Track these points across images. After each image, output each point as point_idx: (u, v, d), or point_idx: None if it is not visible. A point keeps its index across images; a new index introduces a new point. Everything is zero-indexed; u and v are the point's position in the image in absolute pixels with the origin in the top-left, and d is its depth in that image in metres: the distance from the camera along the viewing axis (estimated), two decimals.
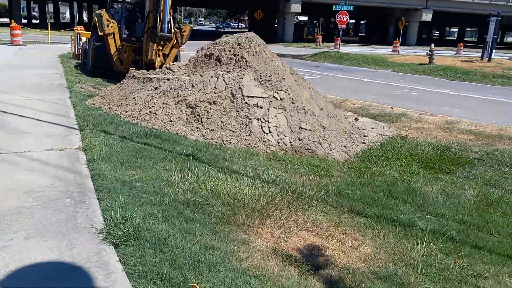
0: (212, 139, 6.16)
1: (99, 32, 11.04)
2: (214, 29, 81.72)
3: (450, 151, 6.60)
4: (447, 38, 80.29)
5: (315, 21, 54.50)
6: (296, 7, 40.11)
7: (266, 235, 3.47)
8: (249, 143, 6.11)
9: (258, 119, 6.40)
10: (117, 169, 4.52)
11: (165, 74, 7.81)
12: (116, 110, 7.04)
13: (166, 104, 6.80)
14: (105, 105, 7.37)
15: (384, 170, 5.75)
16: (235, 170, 4.89)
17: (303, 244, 3.39)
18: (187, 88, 6.96)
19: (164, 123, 6.51)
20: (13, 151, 5.04)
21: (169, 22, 9.96)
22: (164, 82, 7.32)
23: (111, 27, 10.89)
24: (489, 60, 21.94)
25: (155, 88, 7.24)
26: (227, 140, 6.12)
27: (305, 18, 65.76)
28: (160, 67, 10.93)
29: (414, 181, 5.42)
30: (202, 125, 6.38)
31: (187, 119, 6.55)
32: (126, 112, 6.87)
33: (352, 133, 7.20)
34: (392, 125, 8.35)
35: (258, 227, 3.57)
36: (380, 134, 7.53)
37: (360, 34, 64.85)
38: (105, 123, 6.24)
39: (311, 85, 8.08)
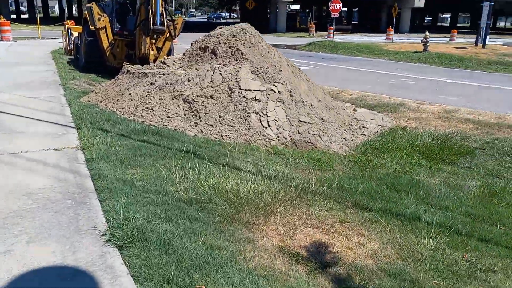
0: (211, 134, 6.09)
1: (91, 27, 10.87)
2: (206, 20, 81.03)
3: (450, 141, 6.58)
4: (440, 24, 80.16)
5: (307, 10, 54.18)
6: None
7: (272, 233, 3.43)
8: (249, 138, 6.05)
9: (256, 113, 6.33)
10: (117, 168, 4.45)
11: (160, 68, 7.70)
12: (112, 107, 6.94)
13: (162, 99, 6.71)
14: (101, 102, 7.26)
15: (385, 162, 5.72)
16: (236, 166, 4.83)
17: (309, 241, 3.35)
18: (183, 83, 6.87)
19: (162, 119, 6.43)
20: (9, 152, 4.94)
21: (162, 14, 9.81)
22: (159, 77, 7.21)
23: (103, 21, 10.71)
24: (483, 46, 21.90)
25: (151, 84, 7.14)
26: (226, 135, 6.05)
27: (297, 7, 65.32)
28: (154, 61, 10.80)
29: (416, 172, 5.39)
30: (200, 121, 6.30)
31: (184, 114, 6.46)
32: (123, 108, 6.78)
33: (351, 124, 7.15)
34: (391, 116, 8.31)
35: (263, 224, 3.53)
36: (379, 125, 7.50)
37: (353, 22, 64.56)
38: (102, 120, 6.15)
39: (308, 77, 8.00)
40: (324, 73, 14.63)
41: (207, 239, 3.15)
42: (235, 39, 7.28)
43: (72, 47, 14.40)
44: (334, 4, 25.86)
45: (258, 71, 6.79)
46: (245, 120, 6.24)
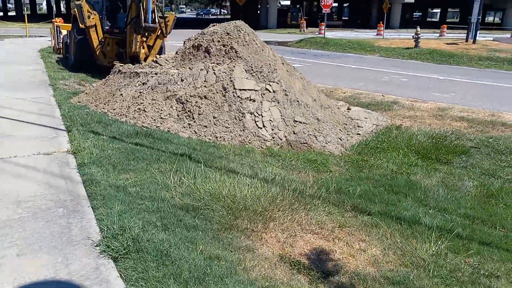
0: (205, 136, 5.98)
1: (80, 25, 10.65)
2: (195, 16, 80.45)
3: (445, 140, 6.55)
4: (430, 19, 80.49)
5: (298, 6, 54.01)
6: None
7: (271, 240, 3.34)
8: (244, 139, 5.96)
9: (251, 113, 6.23)
10: (110, 173, 4.33)
11: (152, 68, 7.56)
12: (103, 108, 6.79)
13: (155, 100, 6.58)
14: (92, 103, 7.11)
15: (381, 162, 5.66)
16: (232, 169, 4.74)
17: (310, 249, 3.28)
18: (176, 83, 6.74)
19: (154, 120, 6.30)
20: None
21: (153, 11, 9.65)
22: (152, 76, 7.08)
23: (93, 18, 10.51)
24: (474, 42, 22.00)
25: (143, 84, 7.00)
26: (220, 137, 5.95)
27: (287, 2, 65.12)
28: (145, 59, 10.65)
29: (413, 173, 5.34)
30: (194, 121, 6.19)
31: (178, 115, 6.34)
32: (114, 110, 6.63)
33: (346, 124, 7.09)
34: (385, 114, 8.27)
35: (262, 231, 3.45)
36: (374, 124, 7.44)
37: (343, 18, 64.60)
38: (93, 122, 6.01)
39: (302, 75, 7.92)
40: (317, 70, 14.57)
41: (206, 249, 3.06)
42: (229, 37, 7.16)
43: (61, 45, 14.15)
44: None
45: (252, 70, 6.69)
46: (240, 120, 6.14)
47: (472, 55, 18.31)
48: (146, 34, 10.11)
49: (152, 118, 6.30)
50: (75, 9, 11.20)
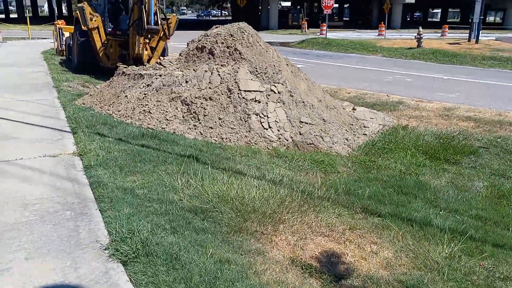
0: (210, 137, 5.94)
1: (83, 27, 10.63)
2: (195, 18, 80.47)
3: (453, 140, 6.49)
4: (430, 19, 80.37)
5: (298, 7, 53.95)
6: None
7: (282, 243, 3.29)
8: (249, 140, 5.91)
9: (257, 114, 6.19)
10: (117, 175, 4.29)
11: (157, 69, 7.52)
12: (108, 110, 6.76)
13: (160, 101, 6.54)
14: (96, 104, 7.07)
15: (389, 163, 5.61)
16: (239, 170, 4.69)
17: (321, 251, 3.23)
18: (180, 84, 6.70)
19: (160, 121, 6.27)
20: (2, 159, 4.76)
21: (155, 13, 9.62)
22: (156, 78, 7.04)
23: (95, 21, 10.49)
24: (476, 42, 21.91)
25: (148, 85, 6.96)
26: (226, 138, 5.90)
27: (288, 3, 65.07)
28: (148, 61, 10.62)
29: (422, 174, 5.29)
30: (200, 123, 6.15)
31: (183, 116, 6.30)
32: (119, 111, 6.60)
33: (352, 124, 7.05)
34: (391, 114, 8.22)
35: (272, 234, 3.40)
36: (380, 124, 7.39)
37: (344, 19, 64.52)
38: (98, 124, 5.97)
39: (307, 76, 7.87)
40: (320, 71, 14.51)
41: (216, 252, 3.01)
42: (233, 39, 7.12)
43: (64, 47, 14.14)
44: (326, 0, 25.72)
45: (257, 71, 6.64)
46: (245, 121, 6.10)
47: (476, 55, 18.24)
48: (149, 36, 10.10)
49: (157, 119, 6.26)
50: (77, 12, 11.19)
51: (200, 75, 6.71)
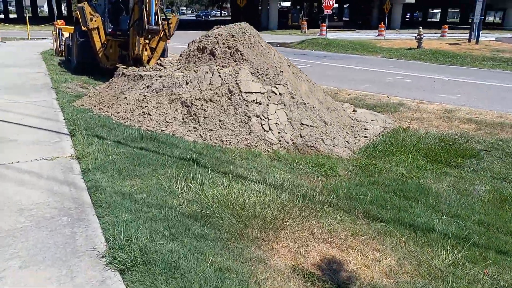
0: (210, 139, 5.88)
1: (83, 27, 10.57)
2: (194, 18, 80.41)
3: (454, 143, 6.43)
4: (430, 19, 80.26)
5: (298, 7, 53.85)
6: None
7: (283, 250, 3.23)
8: (250, 142, 5.85)
9: (257, 116, 6.13)
10: (115, 179, 4.22)
11: (157, 71, 7.46)
12: (107, 112, 6.69)
13: (159, 103, 6.48)
14: (95, 106, 7.01)
15: (390, 166, 5.56)
16: (239, 174, 4.63)
17: (323, 259, 3.17)
18: (181, 86, 6.64)
19: (159, 123, 6.20)
20: None
21: (156, 13, 9.55)
22: (156, 79, 6.98)
23: (95, 21, 10.42)
24: (476, 42, 21.84)
25: (147, 87, 6.90)
26: (226, 140, 5.84)
27: (287, 3, 64.96)
28: (148, 61, 10.56)
29: (423, 177, 5.24)
30: (199, 125, 6.09)
31: (183, 118, 6.24)
32: (118, 113, 6.53)
33: (353, 126, 6.98)
34: (391, 116, 8.16)
35: (273, 241, 3.34)
36: (381, 127, 7.33)
37: (344, 19, 64.42)
38: (97, 126, 5.90)
39: (309, 77, 7.81)
40: (320, 72, 14.45)
41: (216, 260, 2.95)
42: (234, 39, 7.06)
43: (63, 48, 14.06)
44: (327, 0, 25.66)
45: (258, 72, 6.58)
46: (246, 124, 6.04)
47: (476, 56, 18.18)
48: (149, 36, 10.04)
49: (157, 121, 6.20)
50: (77, 12, 11.12)
51: (200, 76, 6.65)
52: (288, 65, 7.42)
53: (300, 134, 6.08)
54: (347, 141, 6.30)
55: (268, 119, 6.15)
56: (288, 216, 3.71)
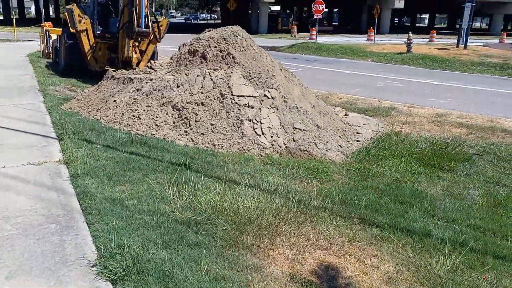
0: (202, 143, 5.79)
1: (71, 29, 10.40)
2: (183, 21, 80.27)
3: (447, 147, 6.43)
4: (418, 25, 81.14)
5: (288, 11, 54.03)
6: None
7: (279, 258, 3.15)
8: (242, 147, 5.77)
9: (250, 120, 6.05)
10: (105, 184, 4.11)
11: (147, 73, 7.34)
12: (96, 115, 6.56)
13: (150, 106, 6.37)
14: (84, 109, 6.87)
15: (384, 170, 5.52)
16: (232, 179, 4.55)
17: (320, 266, 3.10)
18: (172, 89, 6.54)
19: (149, 127, 6.09)
20: None
21: (146, 16, 9.44)
22: (146, 82, 6.86)
23: (84, 23, 10.27)
24: (465, 48, 22.09)
25: (137, 90, 6.78)
26: (218, 144, 5.75)
27: (277, 8, 65.16)
28: (137, 64, 10.43)
29: (417, 182, 5.21)
30: (191, 129, 5.99)
31: (174, 122, 6.14)
32: (107, 116, 6.40)
33: (345, 130, 6.95)
34: (383, 120, 8.15)
35: (269, 248, 3.26)
36: (373, 131, 7.31)
37: (333, 23, 64.79)
38: (86, 130, 5.77)
39: (301, 81, 7.76)
40: (311, 76, 14.44)
41: (211, 268, 2.86)
42: (226, 43, 6.99)
43: (51, 50, 13.84)
44: (317, 5, 25.76)
45: (250, 76, 6.51)
46: (238, 128, 5.96)
47: (464, 61, 18.37)
48: (139, 39, 9.92)
49: (147, 125, 6.09)
50: (66, 13, 10.95)
51: (192, 80, 6.56)
52: (280, 69, 7.37)
53: (293, 138, 6.02)
54: (340, 145, 6.26)
55: (261, 123, 6.08)
56: (284, 222, 3.63)
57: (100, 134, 5.68)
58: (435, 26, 67.74)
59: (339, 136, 6.58)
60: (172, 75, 6.92)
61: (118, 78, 7.39)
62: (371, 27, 31.14)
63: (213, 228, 3.42)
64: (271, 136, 5.99)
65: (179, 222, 3.48)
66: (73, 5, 10.64)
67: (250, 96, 6.26)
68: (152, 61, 8.00)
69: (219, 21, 62.27)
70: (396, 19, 65.30)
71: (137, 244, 3.03)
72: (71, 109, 7.04)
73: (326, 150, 5.98)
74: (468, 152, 6.36)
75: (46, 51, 14.80)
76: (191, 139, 5.87)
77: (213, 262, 2.95)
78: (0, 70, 11.69)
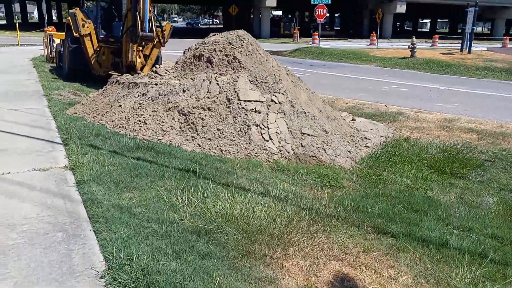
0: (209, 149, 5.69)
1: (74, 33, 10.35)
2: (185, 25, 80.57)
3: (458, 153, 6.32)
4: (420, 29, 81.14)
5: (289, 16, 54.07)
6: (271, 1, 39.42)
7: (293, 269, 3.04)
8: (250, 152, 5.67)
9: (257, 125, 5.96)
10: (112, 191, 4.01)
11: (152, 78, 7.26)
12: (101, 120, 6.47)
13: (156, 111, 6.28)
14: (89, 114, 6.78)
15: (395, 177, 5.42)
16: (241, 185, 4.44)
17: (336, 278, 2.98)
18: (178, 94, 6.45)
19: (156, 132, 6.00)
20: None
21: (150, 20, 9.38)
22: (152, 87, 6.78)
23: (87, 27, 10.21)
24: (469, 52, 21.99)
25: (143, 94, 6.69)
26: (226, 150, 5.65)
27: (279, 12, 65.24)
28: (141, 68, 10.36)
29: (429, 189, 5.10)
30: (198, 134, 5.89)
31: (180, 127, 6.04)
32: (113, 121, 6.32)
33: (354, 136, 6.85)
34: (391, 125, 8.04)
35: (282, 258, 3.15)
36: (381, 136, 7.21)
37: (335, 28, 64.79)
38: (91, 135, 5.68)
39: (308, 86, 7.67)
40: (315, 80, 14.35)
41: (223, 281, 2.75)
42: (231, 47, 6.90)
43: (54, 54, 13.80)
44: (320, 10, 25.71)
45: (257, 80, 6.42)
46: (245, 133, 5.86)
47: (469, 65, 18.27)
48: (143, 43, 9.86)
49: (153, 130, 6.00)
50: (69, 18, 10.90)
51: (198, 84, 6.47)
52: (287, 74, 7.28)
53: (301, 144, 5.92)
54: (348, 151, 6.15)
55: (268, 128, 5.98)
56: (296, 231, 3.52)
57: (106, 139, 5.59)
58: (437, 30, 67.76)
59: (348, 142, 6.48)
60: (178, 79, 6.84)
61: (123, 82, 7.31)
62: (374, 32, 31.08)
63: (224, 238, 3.31)
64: (279, 142, 5.89)
65: (189, 231, 3.37)
66: (76, 10, 10.59)
67: (257, 101, 6.17)
68: (157, 66, 7.92)
69: (221, 26, 62.39)
70: (397, 23, 65.30)
71: (147, 255, 2.93)
72: (76, 113, 6.95)
73: (335, 156, 5.87)
74: (479, 158, 6.25)
75: (50, 55, 14.77)
76: (198, 144, 5.78)
77: (225, 273, 2.84)
78: (4, 74, 11.63)
